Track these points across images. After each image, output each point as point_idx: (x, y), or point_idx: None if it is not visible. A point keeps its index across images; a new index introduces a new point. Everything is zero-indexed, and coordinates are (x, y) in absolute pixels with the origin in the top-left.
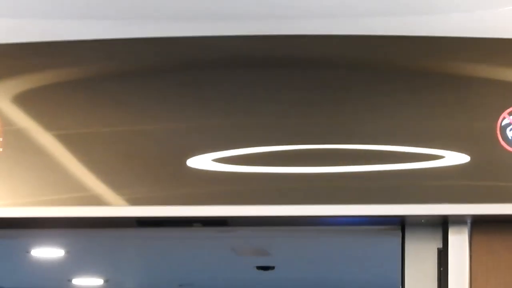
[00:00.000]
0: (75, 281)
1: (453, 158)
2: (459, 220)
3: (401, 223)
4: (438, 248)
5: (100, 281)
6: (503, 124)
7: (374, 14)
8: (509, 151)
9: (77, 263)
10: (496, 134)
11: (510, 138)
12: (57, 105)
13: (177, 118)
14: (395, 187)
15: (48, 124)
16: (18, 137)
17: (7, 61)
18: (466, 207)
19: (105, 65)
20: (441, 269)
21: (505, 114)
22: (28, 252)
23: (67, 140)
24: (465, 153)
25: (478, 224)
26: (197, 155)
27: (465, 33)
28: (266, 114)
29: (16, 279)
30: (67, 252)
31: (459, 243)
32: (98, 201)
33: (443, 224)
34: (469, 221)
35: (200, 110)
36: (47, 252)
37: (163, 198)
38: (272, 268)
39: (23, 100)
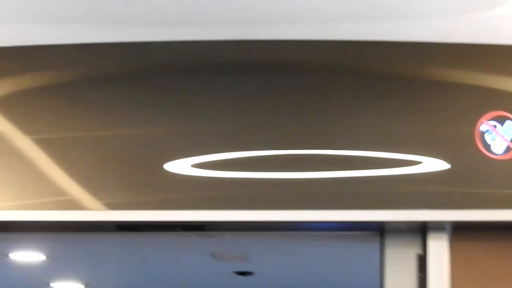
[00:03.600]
0: (54, 285)
1: (432, 164)
2: (438, 226)
3: (380, 229)
4: (417, 254)
5: (79, 286)
6: (481, 129)
7: (353, 20)
8: (487, 157)
9: (57, 267)
10: (475, 139)
11: (488, 143)
12: (36, 110)
13: (156, 123)
14: (374, 193)
15: (26, 128)
16: None
17: None
18: (446, 213)
19: (84, 69)
20: (421, 275)
21: (483, 119)
22: (6, 255)
23: (46, 145)
24: (444, 159)
25: (458, 230)
26: (175, 160)
27: (443, 38)
28: (244, 119)
29: None
30: (46, 256)
31: (438, 249)
32: (77, 205)
33: (422, 230)
34: (448, 227)
35: (178, 115)
36: (26, 256)
37: (142, 202)
38: (250, 273)
39: (1, 105)
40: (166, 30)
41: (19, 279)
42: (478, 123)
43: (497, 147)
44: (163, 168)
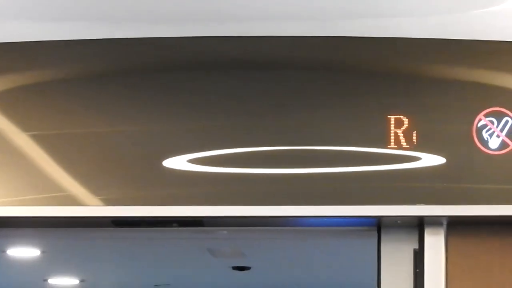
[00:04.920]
0: (51, 280)
1: (430, 160)
2: (435, 221)
3: (377, 224)
4: (414, 249)
5: (75, 281)
6: (479, 125)
7: (350, 17)
8: (485, 153)
9: (53, 263)
10: (472, 135)
11: (486, 139)
12: (33, 106)
13: (153, 119)
14: (371, 189)
15: (24, 124)
16: None
17: None
18: (442, 208)
19: (81, 66)
20: (417, 270)
21: (481, 116)
22: (3, 251)
23: (43, 141)
24: (441, 155)
25: (454, 225)
26: (173, 156)
27: (441, 35)
28: (241, 116)
29: None
30: (42, 252)
31: (435, 244)
32: (74, 201)
33: (419, 225)
34: (445, 222)
35: (175, 111)
36: (23, 251)
37: (139, 198)
38: (248, 268)
39: None
40: (162, 26)
41: (16, 275)
42: (476, 119)
43: (494, 142)
44: (160, 164)
